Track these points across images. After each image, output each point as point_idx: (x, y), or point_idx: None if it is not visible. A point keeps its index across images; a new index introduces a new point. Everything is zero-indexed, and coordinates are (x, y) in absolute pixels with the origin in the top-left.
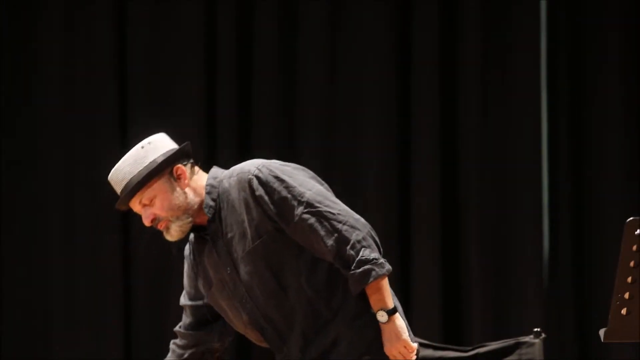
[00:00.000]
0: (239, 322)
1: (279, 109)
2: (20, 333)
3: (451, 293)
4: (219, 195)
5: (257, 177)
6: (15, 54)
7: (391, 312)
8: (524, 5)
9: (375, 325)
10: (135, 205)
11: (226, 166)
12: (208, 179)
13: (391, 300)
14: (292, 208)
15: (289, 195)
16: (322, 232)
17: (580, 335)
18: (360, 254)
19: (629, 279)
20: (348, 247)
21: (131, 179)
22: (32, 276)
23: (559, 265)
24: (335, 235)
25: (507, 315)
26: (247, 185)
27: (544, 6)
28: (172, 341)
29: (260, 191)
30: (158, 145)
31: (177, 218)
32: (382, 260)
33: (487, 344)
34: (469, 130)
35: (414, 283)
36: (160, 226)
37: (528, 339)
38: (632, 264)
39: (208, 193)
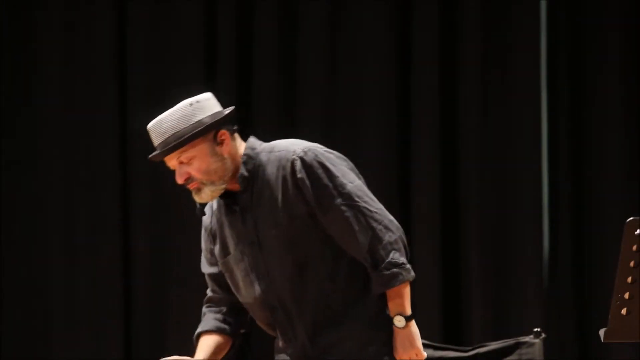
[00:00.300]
0: (249, 297)
1: (279, 109)
2: (20, 333)
3: (451, 293)
4: (254, 167)
5: (302, 160)
6: (15, 54)
7: (409, 319)
8: (524, 5)
9: (388, 328)
10: (172, 161)
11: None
12: (246, 148)
13: (410, 306)
14: (332, 197)
15: (330, 184)
16: (357, 227)
17: (580, 335)
18: (391, 256)
19: (629, 279)
20: (380, 247)
21: (174, 134)
22: (32, 276)
23: (559, 265)
24: (370, 232)
25: (507, 315)
26: (289, 165)
27: (544, 6)
28: (204, 307)
29: (302, 174)
30: (206, 105)
31: (212, 182)
32: (409, 265)
33: (487, 344)
34: (469, 130)
35: (414, 283)
36: (192, 186)
37: (528, 339)
38: (632, 264)
39: (244, 163)
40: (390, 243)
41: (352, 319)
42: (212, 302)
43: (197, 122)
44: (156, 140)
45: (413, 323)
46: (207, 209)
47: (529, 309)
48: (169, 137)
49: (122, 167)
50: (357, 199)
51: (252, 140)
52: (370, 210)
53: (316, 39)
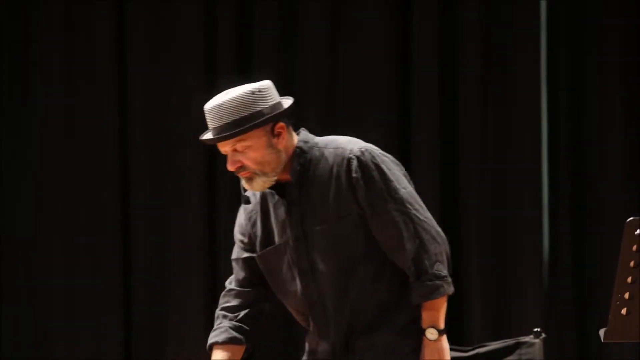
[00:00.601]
0: (288, 290)
1: None
2: (20, 333)
3: None
4: (306, 161)
5: (358, 160)
6: (15, 54)
7: (441, 332)
8: (524, 5)
9: (418, 337)
10: (225, 147)
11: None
12: (298, 141)
13: (444, 320)
14: (384, 201)
15: (384, 187)
16: (405, 234)
17: (580, 335)
18: (435, 267)
19: (629, 279)
20: (425, 257)
21: (233, 121)
22: (32, 276)
23: (559, 265)
24: (417, 241)
25: (507, 315)
26: (344, 163)
27: (544, 6)
28: (219, 308)
29: (357, 174)
30: (267, 95)
31: (264, 174)
32: (450, 279)
33: (487, 344)
34: (469, 130)
35: None
36: (244, 175)
37: (528, 339)
38: (632, 264)
39: (297, 156)
40: (436, 254)
41: (385, 325)
42: (230, 300)
43: (257, 112)
44: (212, 123)
45: (444, 337)
46: (250, 195)
47: (529, 309)
48: (226, 123)
49: (122, 167)
50: (408, 205)
51: (305, 133)
52: (420, 219)
53: (316, 39)
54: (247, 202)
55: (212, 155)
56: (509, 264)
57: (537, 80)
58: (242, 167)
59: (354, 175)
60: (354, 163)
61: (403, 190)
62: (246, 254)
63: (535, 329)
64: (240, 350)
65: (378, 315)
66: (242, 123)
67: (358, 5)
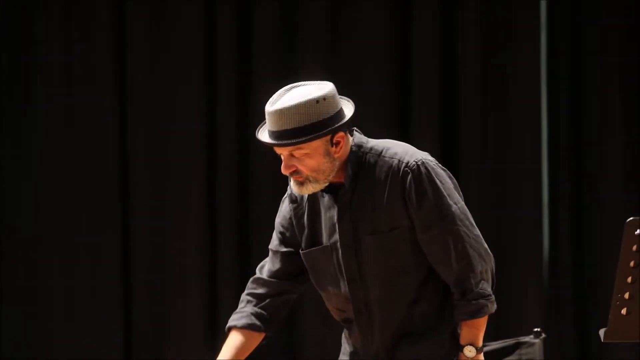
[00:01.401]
0: (333, 292)
1: None
2: (20, 333)
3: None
4: (359, 167)
5: (413, 174)
6: (15, 54)
7: (479, 350)
8: (524, 5)
9: (455, 352)
10: (282, 151)
11: (227, 164)
12: (353, 145)
13: (482, 338)
14: (435, 217)
15: (436, 204)
16: (453, 252)
17: (580, 335)
18: (480, 286)
19: (629, 279)
20: (471, 276)
21: (294, 128)
22: (32, 276)
23: (559, 265)
24: (464, 260)
25: (507, 315)
26: (399, 174)
27: (544, 6)
28: (245, 293)
29: (411, 187)
30: (331, 103)
31: (316, 180)
32: (493, 297)
33: (487, 344)
34: (468, 130)
35: None
36: (296, 178)
37: (528, 339)
38: (632, 264)
39: (349, 161)
40: (481, 272)
41: (427, 337)
42: (257, 288)
43: (319, 122)
44: (272, 126)
45: (482, 356)
46: (292, 189)
47: (529, 309)
48: (287, 129)
49: (122, 167)
50: (459, 222)
51: (359, 136)
52: (469, 237)
53: (316, 39)
54: (294, 201)
55: (212, 155)
56: (509, 264)
57: (537, 80)
58: (296, 172)
59: (407, 188)
60: (409, 176)
61: (455, 206)
62: (285, 248)
63: (535, 329)
64: (258, 337)
65: (420, 325)
66: (304, 133)
67: (358, 6)
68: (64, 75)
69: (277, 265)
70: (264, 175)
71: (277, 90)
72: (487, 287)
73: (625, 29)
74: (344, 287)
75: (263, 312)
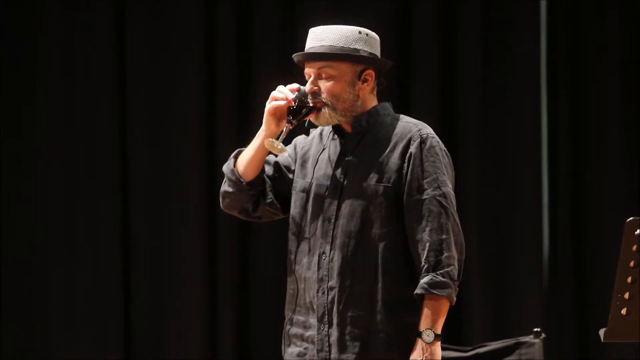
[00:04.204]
0: (309, 231)
1: None
2: (20, 333)
3: None
4: (374, 122)
5: (422, 140)
6: (15, 54)
7: (438, 337)
8: (524, 5)
9: (411, 343)
10: (312, 66)
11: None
12: (377, 105)
13: (441, 327)
14: (429, 185)
15: (433, 175)
16: (435, 225)
17: (580, 335)
18: (450, 269)
19: (629, 279)
20: (444, 254)
21: (331, 46)
22: (32, 276)
23: (559, 265)
24: (444, 236)
25: (507, 315)
26: (408, 137)
27: (544, 6)
28: None
29: (416, 152)
30: (372, 42)
31: (334, 109)
32: (457, 288)
33: (487, 344)
34: (468, 130)
35: None
36: (315, 103)
37: (528, 339)
38: (632, 264)
39: (368, 112)
40: (454, 258)
41: (385, 315)
42: None
43: (355, 48)
44: (311, 42)
45: (439, 343)
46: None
47: (529, 309)
48: (324, 45)
49: (123, 167)
50: (449, 202)
51: (387, 104)
52: (455, 220)
53: None
54: (307, 133)
55: (212, 155)
56: (509, 264)
57: (537, 80)
58: (317, 94)
59: (412, 149)
60: (417, 140)
61: (449, 188)
62: (282, 166)
63: (535, 329)
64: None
65: (382, 310)
66: (339, 51)
67: (358, 5)
68: (64, 75)
69: (266, 168)
70: None
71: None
72: (455, 274)
73: (625, 29)
74: (319, 226)
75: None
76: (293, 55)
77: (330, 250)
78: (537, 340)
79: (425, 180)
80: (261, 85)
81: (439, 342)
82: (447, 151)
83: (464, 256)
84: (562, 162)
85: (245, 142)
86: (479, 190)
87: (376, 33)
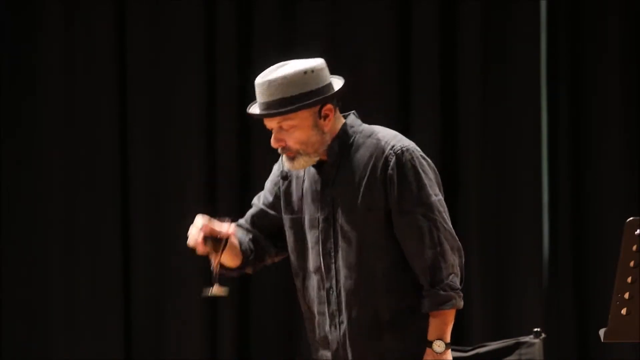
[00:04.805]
0: (311, 264)
1: None
2: (20, 333)
3: None
4: (347, 145)
5: (397, 157)
6: (15, 54)
7: (448, 346)
8: (524, 5)
9: (422, 348)
10: (271, 123)
11: (227, 164)
12: (344, 124)
13: (450, 334)
14: (414, 203)
15: (416, 190)
16: (427, 240)
17: (580, 335)
18: (450, 278)
19: (629, 279)
20: (443, 267)
21: (283, 98)
22: (32, 276)
23: (559, 265)
24: (437, 249)
25: (507, 315)
26: (382, 157)
27: (544, 6)
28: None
29: (394, 171)
30: (320, 75)
31: (307, 154)
32: (462, 293)
33: (487, 344)
34: (468, 130)
35: None
36: (288, 154)
37: (528, 339)
38: (632, 264)
39: (338, 137)
40: (453, 266)
41: (394, 332)
42: (242, 225)
43: (307, 92)
44: (261, 98)
45: (449, 352)
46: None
47: (529, 309)
48: (276, 99)
49: (123, 167)
50: (437, 212)
51: (353, 118)
52: (445, 229)
53: (316, 39)
54: (286, 178)
55: (212, 155)
56: (509, 264)
57: (537, 80)
58: (286, 148)
59: (389, 172)
60: (393, 159)
61: (434, 197)
62: (262, 206)
63: (535, 329)
64: (237, 254)
65: (389, 319)
66: (291, 102)
67: (358, 5)
68: (64, 75)
69: (255, 219)
70: (264, 175)
71: None
72: (457, 281)
73: (625, 29)
74: (321, 261)
75: (252, 243)
76: (247, 113)
77: (336, 284)
78: (537, 340)
79: (408, 200)
80: None
81: (450, 350)
82: (424, 156)
83: (463, 258)
84: (562, 162)
85: (246, 143)
86: (479, 191)
87: (376, 33)
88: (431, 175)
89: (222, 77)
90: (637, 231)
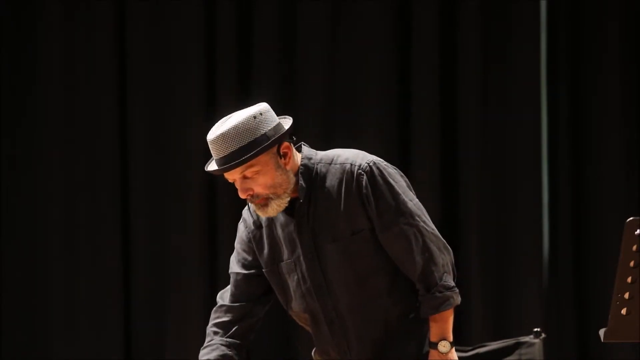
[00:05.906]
0: (299, 307)
1: (279, 109)
2: (20, 333)
3: None
4: (311, 177)
5: (367, 174)
6: (15, 54)
7: (452, 344)
8: (524, 5)
9: (428, 349)
10: (234, 175)
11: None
12: (302, 158)
13: (451, 331)
14: (394, 215)
15: (393, 203)
16: (415, 247)
17: (580, 335)
18: (443, 279)
19: (629, 279)
20: (434, 270)
21: (239, 148)
22: (32, 276)
23: (559, 265)
24: (426, 254)
25: (507, 315)
26: (353, 179)
27: (544, 6)
28: (210, 325)
29: (367, 190)
30: (268, 117)
31: (277, 196)
32: (457, 290)
33: (487, 344)
34: (468, 130)
35: None
36: (259, 202)
37: (528, 339)
38: (632, 264)
39: (301, 173)
40: (443, 265)
41: (408, 338)
42: (221, 316)
43: (261, 135)
44: (218, 153)
45: (454, 350)
46: (245, 212)
47: (529, 309)
48: (234, 150)
49: (123, 167)
50: (417, 218)
51: (307, 149)
52: (428, 231)
53: (316, 39)
54: (252, 224)
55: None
56: (509, 264)
57: (537, 80)
58: (255, 195)
59: (364, 191)
60: (364, 179)
61: (410, 202)
62: (247, 271)
63: (535, 329)
64: None
65: (399, 327)
66: (250, 148)
67: (358, 5)
68: (64, 75)
69: (240, 289)
70: None
71: (276, 90)
72: (450, 280)
73: (625, 29)
74: (311, 301)
75: (233, 340)
76: (209, 171)
77: (337, 317)
78: (537, 340)
79: (388, 213)
80: (261, 85)
81: (454, 348)
82: (388, 165)
83: (451, 253)
84: (562, 162)
85: None
86: (479, 191)
87: (376, 33)
88: (401, 182)
89: (222, 77)
90: (637, 231)
